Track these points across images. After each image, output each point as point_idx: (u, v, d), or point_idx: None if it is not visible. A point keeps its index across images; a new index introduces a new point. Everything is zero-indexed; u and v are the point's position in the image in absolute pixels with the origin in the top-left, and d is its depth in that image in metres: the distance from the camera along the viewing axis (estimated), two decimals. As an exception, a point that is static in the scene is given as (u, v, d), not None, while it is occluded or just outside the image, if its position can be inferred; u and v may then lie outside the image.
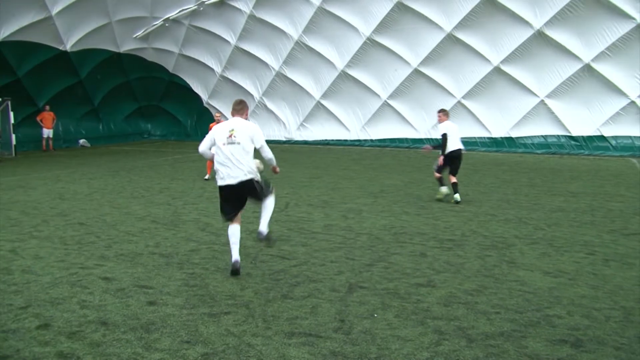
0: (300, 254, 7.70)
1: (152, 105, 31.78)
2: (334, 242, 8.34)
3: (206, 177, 14.91)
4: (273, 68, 26.61)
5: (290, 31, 24.97)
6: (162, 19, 26.59)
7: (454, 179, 11.84)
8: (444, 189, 12.01)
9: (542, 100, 21.89)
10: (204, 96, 30.07)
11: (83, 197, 12.67)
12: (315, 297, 5.95)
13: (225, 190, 6.79)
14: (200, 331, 5.05)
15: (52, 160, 21.30)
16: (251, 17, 25.14)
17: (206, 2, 25.15)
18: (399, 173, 16.36)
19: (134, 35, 27.36)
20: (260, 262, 7.27)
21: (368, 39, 23.48)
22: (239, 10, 25.18)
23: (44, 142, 25.38)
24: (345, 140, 26.45)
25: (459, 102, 23.35)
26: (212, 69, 28.40)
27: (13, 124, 23.07)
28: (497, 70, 22.03)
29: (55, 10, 22.69)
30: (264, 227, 6.76)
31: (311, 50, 25.07)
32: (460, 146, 12.01)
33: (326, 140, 26.93)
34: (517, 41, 21.17)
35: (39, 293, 6.12)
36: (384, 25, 22.93)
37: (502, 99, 22.60)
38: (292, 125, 27.97)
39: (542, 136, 22.76)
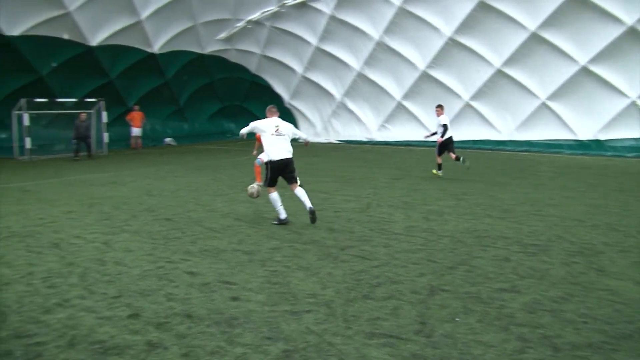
0: (382, 254, 7.66)
1: (235, 105, 32.53)
2: (416, 244, 8.26)
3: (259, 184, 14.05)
4: (354, 68, 26.66)
5: (371, 32, 24.94)
6: (244, 21, 27.17)
7: (454, 155, 15.74)
8: (441, 172, 15.94)
9: (634, 102, 20.85)
10: (285, 96, 30.49)
11: (169, 194, 13.10)
12: (396, 298, 5.92)
13: (275, 164, 9.51)
14: (281, 328, 5.12)
15: (140, 158, 22.17)
16: (332, 18, 25.30)
17: (288, 4, 25.49)
18: (481, 175, 16.01)
19: (218, 37, 28.07)
20: (341, 261, 7.29)
21: (449, 39, 23.13)
22: (320, 11, 25.38)
23: (133, 141, 26.43)
24: (427, 142, 26.12)
25: (543, 103, 22.62)
26: (293, 70, 28.76)
27: (105, 124, 24.23)
28: (585, 70, 21.15)
29: (144, 15, 23.65)
30: (309, 204, 9.64)
31: (392, 50, 24.94)
32: (452, 134, 16.18)
33: (407, 141, 26.71)
34: (606, 39, 20.20)
35: (130, 284, 6.40)
36: (465, 25, 22.51)
37: (590, 100, 21.67)
38: (372, 125, 27.94)
39: (633, 139, 21.62)
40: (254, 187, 10.40)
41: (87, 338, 4.93)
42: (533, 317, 5.38)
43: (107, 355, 4.60)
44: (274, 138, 9.48)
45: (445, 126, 15.76)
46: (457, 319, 5.33)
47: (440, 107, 16.33)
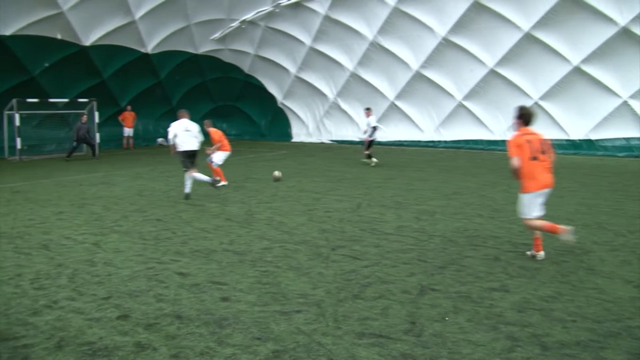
0: (372, 254, 7.66)
1: (228, 105, 32.51)
2: (407, 244, 8.26)
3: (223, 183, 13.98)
4: (347, 69, 26.65)
5: (365, 32, 24.92)
6: (238, 21, 27.14)
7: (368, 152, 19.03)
8: (375, 160, 18.83)
9: (625, 101, 20.86)
10: (278, 96, 30.49)
11: (161, 195, 13.09)
12: (386, 298, 5.92)
13: (186, 152, 12.41)
14: (271, 328, 5.12)
15: (132, 158, 22.11)
16: (326, 18, 25.28)
17: (282, 4, 25.48)
18: (473, 175, 16.04)
19: (212, 37, 28.05)
20: (331, 261, 7.29)
21: (443, 39, 23.09)
22: (314, 11, 25.36)
23: (124, 141, 26.42)
24: (419, 142, 26.15)
25: (535, 103, 22.55)
26: (287, 70, 28.76)
27: (97, 124, 24.18)
28: (577, 71, 21.13)
29: (138, 15, 23.63)
30: (188, 190, 12.47)
31: (386, 50, 24.94)
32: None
33: (400, 141, 26.71)
34: (599, 39, 20.10)
35: (119, 285, 6.38)
36: (459, 25, 22.49)
37: (582, 100, 21.64)
38: (365, 126, 27.86)
39: (624, 138, 21.59)
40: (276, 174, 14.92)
41: (76, 340, 4.91)
42: (522, 316, 5.39)
43: (95, 357, 4.58)
44: (185, 134, 12.45)
45: (375, 127, 19.23)
46: (446, 319, 5.34)
47: (369, 109, 20.01)
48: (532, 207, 7.46)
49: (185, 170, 12.49)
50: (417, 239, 8.60)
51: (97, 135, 24.22)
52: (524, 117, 7.56)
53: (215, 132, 14.48)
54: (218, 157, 14.36)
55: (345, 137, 28.60)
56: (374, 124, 19.34)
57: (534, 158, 7.32)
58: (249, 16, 26.76)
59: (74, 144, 22.12)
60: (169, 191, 13.53)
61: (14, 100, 21.52)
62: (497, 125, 24.04)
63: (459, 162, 19.53)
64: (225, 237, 8.73)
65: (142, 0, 23.30)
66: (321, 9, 25.08)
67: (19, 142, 21.77)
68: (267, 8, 26.05)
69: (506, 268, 6.99)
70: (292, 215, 10.45)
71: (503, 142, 23.68)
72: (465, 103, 24.22)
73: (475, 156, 21.90)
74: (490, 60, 22.71)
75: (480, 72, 23.18)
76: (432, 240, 8.53)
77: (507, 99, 22.95)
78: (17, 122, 21.52)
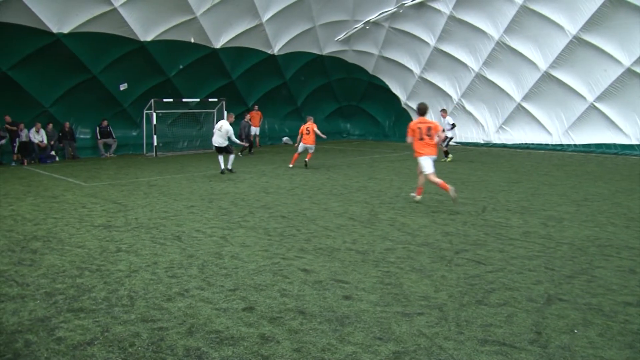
0: (497, 260, 7.43)
1: (351, 105, 32.81)
2: (533, 250, 7.94)
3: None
4: (472, 69, 26.02)
5: (491, 31, 24.21)
6: (363, 22, 27.32)
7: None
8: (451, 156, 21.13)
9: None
10: (402, 97, 30.34)
11: (285, 192, 13.42)
12: (511, 305, 5.71)
13: (216, 147, 16.81)
14: (392, 329, 5.09)
15: (258, 156, 22.86)
16: (451, 17, 24.85)
17: (406, 4, 25.34)
18: (604, 181, 15.09)
19: (336, 38, 28.44)
20: (455, 265, 7.15)
21: (574, 37, 21.90)
22: (439, 11, 25.02)
23: (251, 139, 27.32)
24: (547, 145, 24.96)
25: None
26: (410, 70, 28.56)
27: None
28: None
29: (265, 18, 24.43)
30: (230, 166, 17.33)
31: (512, 50, 24.09)
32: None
33: (526, 144, 25.68)
34: None
35: (245, 278, 6.61)
36: (593, 22, 21.15)
37: None
38: (490, 127, 27.09)
39: None
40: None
41: (205, 327, 5.16)
42: (664, 337, 4.98)
43: (222, 345, 4.78)
44: (216, 133, 16.80)
45: (453, 125, 21.91)
46: (575, 331, 5.06)
47: (444, 110, 22.73)
48: (428, 164, 11.29)
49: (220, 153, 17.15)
50: (544, 245, 8.24)
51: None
52: (419, 110, 11.69)
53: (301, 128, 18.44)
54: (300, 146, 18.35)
55: (469, 138, 27.95)
56: (452, 121, 21.97)
57: (421, 139, 11.29)
58: (373, 17, 26.90)
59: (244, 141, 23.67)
60: (293, 189, 13.85)
61: (152, 100, 22.97)
62: (632, 128, 22.39)
63: (590, 167, 18.48)
64: (348, 236, 8.81)
65: (270, 4, 24.09)
66: (445, 8, 24.71)
67: (155, 140, 23.18)
68: (391, 9, 26.03)
69: (644, 281, 6.52)
70: (415, 216, 10.36)
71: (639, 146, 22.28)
72: (598, 105, 22.75)
73: (607, 161, 20.60)
74: (626, 59, 21.18)
75: (615, 72, 21.70)
76: (560, 247, 8.13)
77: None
78: (154, 121, 22.93)
